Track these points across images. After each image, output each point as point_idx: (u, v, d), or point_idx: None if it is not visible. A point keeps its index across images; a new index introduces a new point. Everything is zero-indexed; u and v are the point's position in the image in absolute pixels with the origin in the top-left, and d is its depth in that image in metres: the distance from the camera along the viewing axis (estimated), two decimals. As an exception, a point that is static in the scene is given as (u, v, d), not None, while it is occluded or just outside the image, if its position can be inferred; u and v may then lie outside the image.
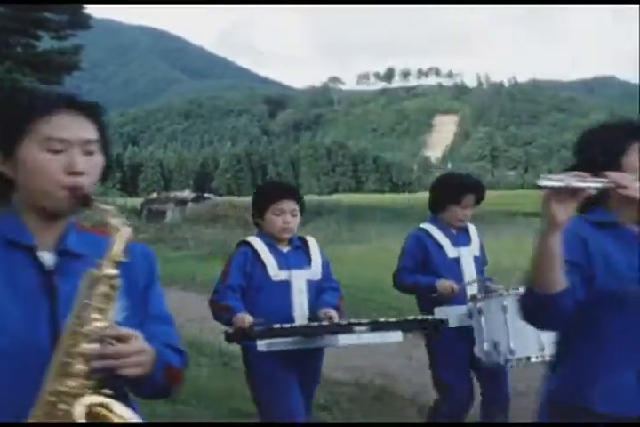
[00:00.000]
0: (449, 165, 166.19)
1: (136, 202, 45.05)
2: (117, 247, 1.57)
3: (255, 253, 3.85)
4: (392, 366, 6.80)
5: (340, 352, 8.07)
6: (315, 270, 3.90)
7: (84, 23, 30.10)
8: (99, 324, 1.54)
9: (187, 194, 45.93)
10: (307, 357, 3.81)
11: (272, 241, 3.88)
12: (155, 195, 48.73)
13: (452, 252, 4.37)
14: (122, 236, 1.58)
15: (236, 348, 7.79)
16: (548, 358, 3.98)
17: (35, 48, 29.45)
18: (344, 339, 3.61)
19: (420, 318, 3.97)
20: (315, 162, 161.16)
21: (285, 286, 3.81)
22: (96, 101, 1.76)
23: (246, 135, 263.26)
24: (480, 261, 4.45)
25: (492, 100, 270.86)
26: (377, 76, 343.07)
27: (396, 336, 3.75)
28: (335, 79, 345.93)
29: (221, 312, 3.74)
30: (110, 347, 1.53)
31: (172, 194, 46.63)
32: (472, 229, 4.52)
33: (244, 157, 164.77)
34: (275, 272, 3.81)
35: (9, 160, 1.67)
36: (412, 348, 7.86)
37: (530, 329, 3.94)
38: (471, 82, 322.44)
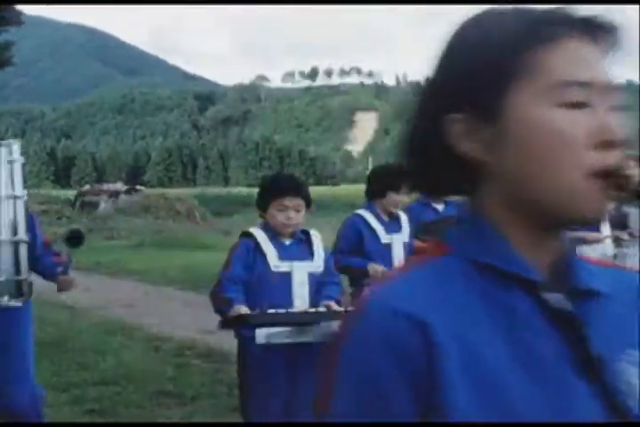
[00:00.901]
0: (369, 160, 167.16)
1: (69, 193, 44.21)
2: None
3: (257, 244, 3.60)
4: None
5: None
6: (317, 263, 3.66)
7: (15, 19, 29.26)
8: None
9: (119, 186, 45.05)
10: (299, 354, 3.48)
11: (274, 233, 3.63)
12: (88, 187, 47.78)
13: (384, 238, 4.47)
14: None
15: (166, 333, 7.75)
16: None
17: (-33, 43, 28.54)
18: None
19: None
20: (243, 156, 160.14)
21: (286, 277, 3.57)
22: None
23: (177, 130, 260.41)
24: (409, 247, 4.54)
25: (410, 98, 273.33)
26: (302, 74, 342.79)
27: None
28: (262, 77, 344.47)
29: (221, 305, 3.47)
30: None
31: (104, 186, 45.69)
32: (403, 216, 4.62)
33: (174, 150, 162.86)
34: (275, 263, 3.56)
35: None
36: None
37: None
38: (390, 81, 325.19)
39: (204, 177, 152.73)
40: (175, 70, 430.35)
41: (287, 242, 3.68)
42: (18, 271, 3.27)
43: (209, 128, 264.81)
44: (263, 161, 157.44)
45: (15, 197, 3.28)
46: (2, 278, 3.25)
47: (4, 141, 3.55)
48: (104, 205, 31.45)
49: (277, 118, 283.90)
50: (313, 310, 3.47)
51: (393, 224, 4.55)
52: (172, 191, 40.93)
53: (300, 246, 3.71)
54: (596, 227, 5.69)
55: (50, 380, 5.56)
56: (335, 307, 3.50)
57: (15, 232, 3.22)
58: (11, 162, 3.36)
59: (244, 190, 60.07)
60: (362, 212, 4.57)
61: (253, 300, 3.51)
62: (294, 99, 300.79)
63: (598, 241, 5.64)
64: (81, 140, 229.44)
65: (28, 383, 3.68)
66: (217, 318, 3.53)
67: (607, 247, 5.66)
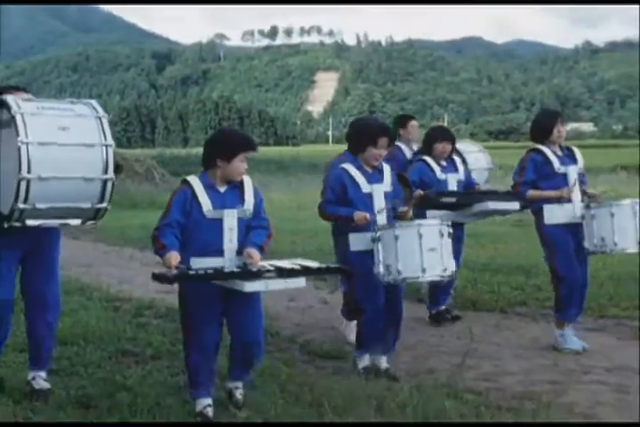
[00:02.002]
0: (330, 120, 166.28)
1: (25, 154, 43.33)
2: None
3: (193, 192, 4.10)
4: (275, 308, 6.84)
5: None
6: (246, 209, 4.15)
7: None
8: None
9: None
10: (229, 293, 4.00)
11: (212, 182, 4.14)
12: (43, 147, 46.90)
13: (366, 187, 4.91)
14: None
15: (125, 293, 7.72)
16: (428, 279, 4.78)
17: None
18: (250, 286, 3.77)
19: (323, 266, 4.21)
20: (202, 116, 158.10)
21: (218, 223, 4.07)
22: None
23: (135, 89, 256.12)
24: (391, 196, 4.99)
25: (371, 58, 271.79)
26: (261, 33, 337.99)
27: (299, 282, 3.92)
28: (221, 36, 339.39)
29: (158, 249, 3.99)
30: None
31: (61, 146, 44.95)
32: (386, 168, 5.05)
33: (132, 110, 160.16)
34: (208, 211, 4.07)
35: None
36: (293, 291, 7.94)
37: (416, 254, 4.60)
38: (351, 40, 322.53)
39: (163, 137, 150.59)
40: (131, 27, 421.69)
41: (222, 189, 4.17)
42: (101, 201, 4.17)
43: (167, 87, 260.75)
44: (222, 121, 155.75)
45: (107, 146, 4.14)
46: (88, 205, 4.14)
47: (83, 100, 4.40)
48: (61, 165, 30.92)
49: (237, 78, 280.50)
50: (231, 270, 3.92)
51: (375, 175, 4.98)
52: (131, 152, 40.38)
53: (233, 193, 4.18)
54: (565, 186, 5.66)
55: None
56: (255, 256, 3.99)
57: (105, 172, 4.11)
58: (98, 118, 4.23)
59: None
60: (346, 165, 5.01)
61: (190, 241, 4.06)
62: (254, 58, 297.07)
63: (569, 197, 5.62)
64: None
65: (55, 284, 4.59)
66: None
67: (576, 208, 5.66)
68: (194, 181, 4.15)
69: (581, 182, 5.77)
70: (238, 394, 4.27)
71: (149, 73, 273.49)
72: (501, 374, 5.15)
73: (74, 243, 12.62)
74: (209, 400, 4.13)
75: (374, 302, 4.95)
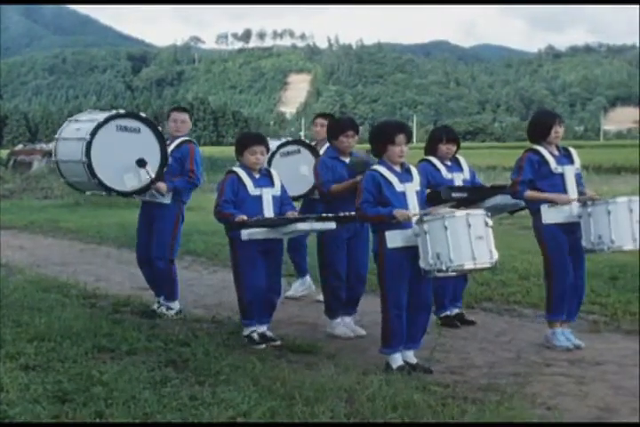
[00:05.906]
0: (302, 121, 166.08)
1: (2, 153, 42.95)
2: None
3: (239, 177, 5.60)
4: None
5: (199, 291, 8.02)
6: (276, 189, 5.69)
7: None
8: None
9: (53, 146, 43.89)
10: (272, 245, 5.63)
11: (249, 170, 5.66)
12: (21, 146, 46.48)
13: (399, 187, 5.02)
14: None
15: (101, 290, 7.64)
16: (479, 266, 4.77)
17: None
18: (302, 225, 5.35)
19: (346, 214, 5.38)
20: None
21: (259, 198, 5.60)
22: None
23: (110, 90, 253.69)
24: (422, 194, 5.17)
25: (342, 60, 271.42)
26: (235, 36, 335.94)
27: (331, 225, 5.40)
28: (196, 39, 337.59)
29: (227, 218, 5.49)
30: None
31: (38, 146, 44.58)
32: (413, 168, 5.20)
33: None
34: (252, 190, 5.60)
35: None
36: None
37: (465, 243, 4.68)
38: (322, 44, 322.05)
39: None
40: (107, 30, 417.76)
41: (257, 176, 5.68)
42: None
43: (143, 89, 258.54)
44: (198, 122, 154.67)
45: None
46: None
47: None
48: (37, 164, 30.61)
49: (211, 80, 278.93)
50: (286, 217, 5.48)
51: (405, 175, 5.11)
52: (107, 151, 39.87)
53: (265, 178, 5.71)
54: (563, 189, 5.59)
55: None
56: (296, 215, 5.57)
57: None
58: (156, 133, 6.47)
59: (178, 151, 59.04)
60: (377, 166, 5.11)
61: (240, 213, 5.46)
62: (228, 60, 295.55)
63: (567, 203, 5.54)
64: (12, 99, 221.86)
65: (165, 256, 6.68)
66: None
67: (573, 208, 5.56)
68: (238, 170, 5.65)
69: (578, 183, 5.68)
70: (268, 333, 5.70)
71: (125, 75, 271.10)
72: (467, 367, 5.18)
73: (51, 242, 12.51)
74: (254, 328, 5.64)
75: (402, 298, 4.97)
